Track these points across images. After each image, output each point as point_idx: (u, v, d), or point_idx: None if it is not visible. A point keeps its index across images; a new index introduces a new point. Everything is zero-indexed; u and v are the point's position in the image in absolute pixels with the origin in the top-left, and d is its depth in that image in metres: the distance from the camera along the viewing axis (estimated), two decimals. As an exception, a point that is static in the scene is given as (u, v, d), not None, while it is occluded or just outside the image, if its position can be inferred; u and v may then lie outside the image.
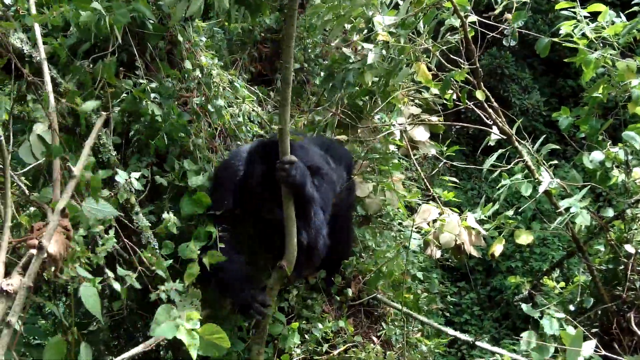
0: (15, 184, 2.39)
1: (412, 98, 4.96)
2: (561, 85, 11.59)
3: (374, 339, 4.10)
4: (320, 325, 3.78)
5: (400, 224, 4.64)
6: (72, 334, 2.36)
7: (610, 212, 4.04)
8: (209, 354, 2.92)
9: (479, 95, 4.19)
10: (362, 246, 4.26)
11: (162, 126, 3.53)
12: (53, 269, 2.02)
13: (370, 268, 4.10)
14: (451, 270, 9.28)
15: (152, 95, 3.50)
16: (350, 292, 4.01)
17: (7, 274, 1.93)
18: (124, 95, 3.52)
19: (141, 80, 3.52)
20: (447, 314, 8.29)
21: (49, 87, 2.54)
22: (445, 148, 4.71)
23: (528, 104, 10.91)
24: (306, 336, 3.76)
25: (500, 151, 4.21)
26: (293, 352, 3.62)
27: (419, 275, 4.36)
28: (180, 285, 2.87)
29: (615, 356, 3.30)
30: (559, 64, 10.97)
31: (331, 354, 3.77)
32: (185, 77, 3.84)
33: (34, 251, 1.93)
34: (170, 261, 3.09)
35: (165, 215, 2.80)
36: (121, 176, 2.71)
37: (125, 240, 2.71)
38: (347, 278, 4.08)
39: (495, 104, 4.33)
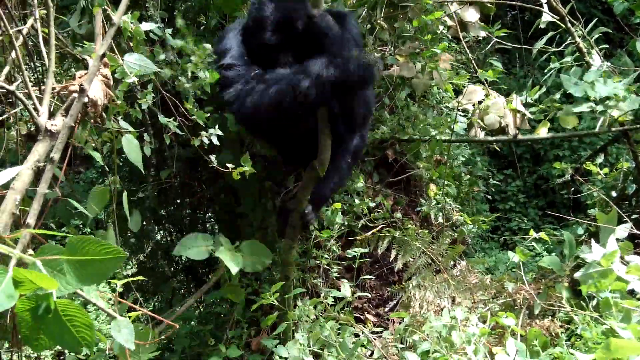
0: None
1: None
2: (623, -30, 11.02)
3: (413, 216, 4.15)
4: (357, 201, 3.83)
5: (446, 106, 4.60)
6: (115, 183, 2.45)
7: (659, 98, 3.96)
8: (253, 270, 2.96)
9: (537, -30, 4.03)
10: (404, 115, 4.19)
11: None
12: (93, 112, 2.11)
13: (412, 136, 4.09)
14: (499, 157, 9.22)
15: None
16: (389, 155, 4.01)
17: (51, 116, 2.02)
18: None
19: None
20: (490, 198, 8.31)
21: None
22: (494, 29, 4.57)
23: (587, -12, 10.45)
24: (344, 207, 3.83)
25: (550, 33, 4.12)
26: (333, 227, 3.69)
27: (464, 153, 4.33)
28: (219, 131, 2.83)
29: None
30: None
31: (371, 229, 3.84)
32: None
33: (75, 95, 2.01)
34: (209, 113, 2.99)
35: (201, 74, 2.78)
36: (166, 34, 2.70)
37: (164, 93, 2.72)
38: (385, 141, 4.08)
39: (551, -19, 4.19)
